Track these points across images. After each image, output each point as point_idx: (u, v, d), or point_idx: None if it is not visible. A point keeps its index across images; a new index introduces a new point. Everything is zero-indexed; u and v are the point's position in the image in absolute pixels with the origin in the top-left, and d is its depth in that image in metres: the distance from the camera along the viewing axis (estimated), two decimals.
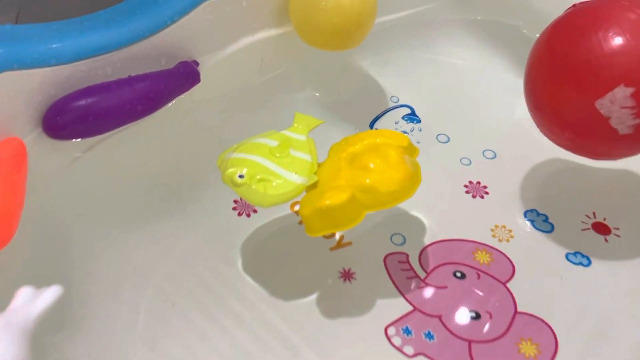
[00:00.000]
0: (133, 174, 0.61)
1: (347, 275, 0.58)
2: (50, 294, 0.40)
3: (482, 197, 0.64)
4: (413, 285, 0.57)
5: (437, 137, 0.70)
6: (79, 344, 0.51)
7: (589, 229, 0.61)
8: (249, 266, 0.58)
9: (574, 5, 0.57)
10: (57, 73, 0.54)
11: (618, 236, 0.60)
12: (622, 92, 0.50)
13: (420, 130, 0.71)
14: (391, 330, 0.54)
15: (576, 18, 0.55)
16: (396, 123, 0.72)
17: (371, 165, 0.54)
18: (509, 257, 0.59)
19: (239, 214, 0.62)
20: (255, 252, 0.59)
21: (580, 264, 0.59)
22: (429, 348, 0.53)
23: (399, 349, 0.52)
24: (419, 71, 0.78)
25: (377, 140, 0.57)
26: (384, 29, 0.76)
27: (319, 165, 0.56)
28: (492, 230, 0.61)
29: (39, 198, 0.54)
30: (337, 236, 0.60)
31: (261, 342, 0.53)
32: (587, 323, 0.54)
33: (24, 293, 0.40)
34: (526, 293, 0.56)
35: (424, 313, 0.55)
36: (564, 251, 0.59)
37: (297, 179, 0.54)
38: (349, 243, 0.60)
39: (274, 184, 0.53)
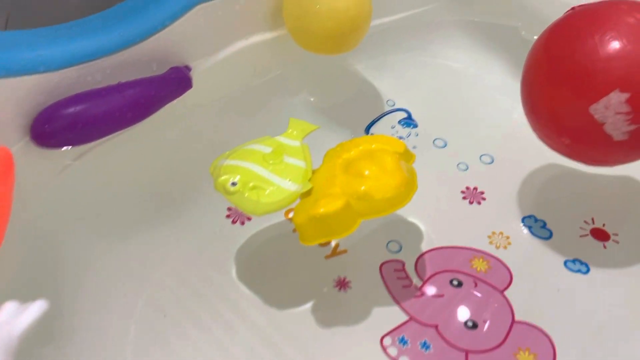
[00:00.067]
0: (124, 181, 0.60)
1: (342, 284, 0.57)
2: (36, 309, 0.39)
3: (479, 203, 0.63)
4: (409, 294, 0.56)
5: (434, 142, 0.69)
6: (69, 356, 0.50)
7: (587, 235, 0.60)
8: (243, 275, 0.57)
9: (573, 8, 0.56)
10: (46, 80, 0.53)
11: (617, 242, 0.60)
12: (617, 98, 0.49)
13: (417, 135, 0.70)
14: (387, 341, 0.53)
15: (574, 21, 0.54)
16: (392, 127, 0.71)
17: (366, 172, 0.53)
18: (507, 264, 0.58)
19: (233, 222, 0.61)
20: (249, 261, 0.58)
21: (579, 271, 0.58)
22: (425, 358, 0.52)
23: None
24: (415, 74, 0.77)
25: (373, 146, 0.56)
26: (379, 32, 0.76)
27: (313, 171, 0.55)
28: (489, 237, 0.60)
29: (28, 208, 0.53)
30: (333, 244, 0.59)
31: (254, 353, 0.52)
32: (586, 332, 0.54)
33: (8, 308, 0.40)
34: (524, 301, 0.55)
35: (420, 322, 0.54)
36: (563, 258, 0.58)
37: (290, 187, 0.53)
38: (345, 251, 0.59)
39: (267, 191, 0.52)
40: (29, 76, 0.52)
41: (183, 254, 0.58)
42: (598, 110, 0.50)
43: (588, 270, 0.58)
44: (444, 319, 0.54)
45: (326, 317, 0.55)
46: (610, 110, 0.50)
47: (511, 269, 0.58)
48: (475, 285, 0.57)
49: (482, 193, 0.64)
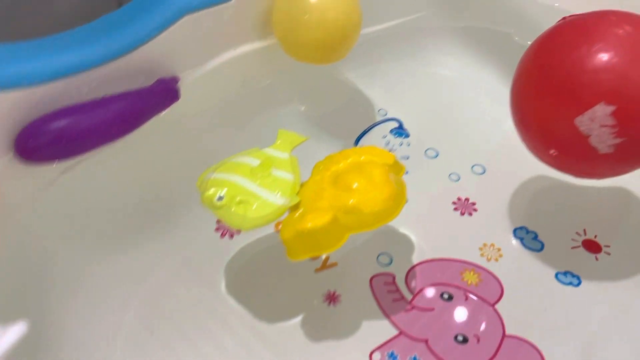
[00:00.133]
0: (111, 196, 0.59)
1: (332, 298, 0.56)
2: (13, 334, 0.38)
3: (470, 214, 0.63)
4: (399, 307, 0.56)
5: (425, 152, 0.69)
6: None
7: (579, 247, 0.60)
8: (232, 289, 0.57)
9: (564, 18, 0.56)
10: (30, 94, 0.52)
11: (609, 254, 0.59)
12: (602, 110, 0.49)
13: (409, 144, 0.70)
14: (376, 356, 0.52)
15: (563, 31, 0.54)
16: (384, 137, 0.70)
17: (355, 185, 0.52)
18: (498, 277, 0.58)
19: (222, 235, 0.60)
20: (238, 274, 0.58)
21: (570, 283, 0.57)
22: None
23: None
24: (407, 82, 0.77)
25: (362, 158, 0.56)
26: (370, 40, 0.75)
27: (301, 184, 0.55)
28: (480, 249, 0.60)
29: (13, 224, 0.53)
30: (323, 257, 0.58)
31: None
32: (576, 346, 0.53)
33: None
34: (515, 315, 0.55)
35: (410, 337, 0.54)
36: (554, 271, 0.58)
37: (278, 200, 0.52)
38: (335, 264, 0.59)
39: (254, 206, 0.51)
40: (12, 90, 0.51)
41: (171, 268, 0.58)
42: (583, 122, 0.50)
43: (579, 283, 0.57)
44: (434, 334, 0.54)
45: (316, 332, 0.54)
46: (595, 122, 0.49)
47: (502, 282, 0.57)
48: (466, 298, 0.56)
49: (474, 204, 0.64)
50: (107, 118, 0.55)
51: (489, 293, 0.56)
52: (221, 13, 0.64)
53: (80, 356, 0.51)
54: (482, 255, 0.59)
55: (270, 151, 0.57)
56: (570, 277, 0.58)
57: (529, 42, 0.58)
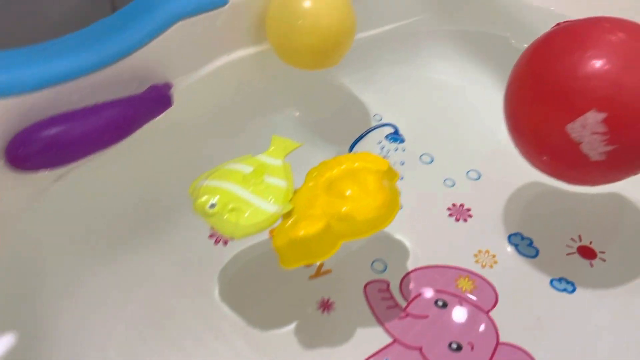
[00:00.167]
0: (104, 204, 0.59)
1: (326, 306, 0.56)
2: (3, 343, 0.38)
3: (465, 220, 0.63)
4: (393, 315, 0.55)
5: (420, 158, 0.69)
6: None
7: (574, 253, 0.59)
8: (226, 296, 0.56)
9: (558, 24, 0.56)
10: (20, 103, 0.52)
11: (604, 260, 0.59)
12: (593, 118, 0.49)
13: (404, 150, 0.69)
14: None
15: (556, 38, 0.54)
16: (379, 142, 0.70)
17: (348, 193, 0.52)
18: (492, 284, 0.57)
19: (216, 242, 0.60)
20: (232, 282, 0.58)
21: (565, 290, 0.57)
22: None
23: None
24: (402, 88, 0.77)
25: (356, 164, 0.55)
26: (365, 45, 0.75)
27: (295, 191, 0.54)
28: (475, 255, 0.60)
29: (5, 233, 0.52)
30: (317, 263, 0.58)
31: None
32: (571, 354, 0.53)
33: None
34: (509, 322, 0.54)
35: (404, 345, 0.53)
36: (549, 277, 0.58)
37: (270, 208, 0.52)
38: (329, 271, 0.58)
39: (247, 213, 0.51)
40: (2, 98, 0.51)
41: (164, 276, 0.57)
42: (575, 129, 0.49)
43: (574, 290, 0.57)
44: (428, 341, 0.53)
45: (309, 340, 0.54)
46: (586, 129, 0.49)
47: (497, 289, 0.57)
48: (461, 305, 0.56)
49: (469, 210, 0.63)
50: (99, 125, 0.54)
51: (483, 300, 0.56)
52: (214, 19, 0.63)
53: None
54: (476, 261, 0.59)
55: (263, 158, 0.56)
56: (565, 283, 0.57)
57: (526, 46, 0.57)
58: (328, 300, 0.56)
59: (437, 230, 0.62)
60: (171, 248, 0.59)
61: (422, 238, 0.61)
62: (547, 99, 0.51)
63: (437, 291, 0.57)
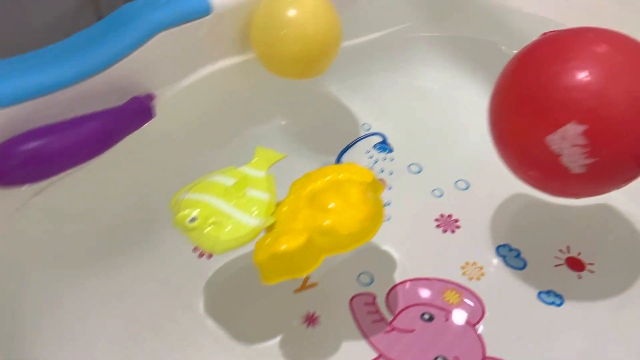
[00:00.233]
0: (85, 217, 0.58)
1: (311, 320, 0.55)
2: None
3: (453, 231, 0.62)
4: (379, 329, 0.55)
5: (409, 167, 0.68)
6: None
7: (562, 264, 0.59)
8: (210, 311, 0.56)
9: (544, 34, 0.55)
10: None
11: (592, 272, 0.58)
12: (573, 130, 0.47)
13: (392, 159, 0.69)
14: None
15: (541, 48, 0.53)
16: (367, 152, 0.69)
17: (331, 205, 0.51)
18: (479, 297, 0.56)
19: (200, 256, 0.59)
20: (215, 296, 0.57)
21: (553, 303, 0.56)
22: None
23: None
24: (391, 96, 0.76)
25: (340, 176, 0.55)
26: (353, 52, 0.74)
27: (278, 203, 0.54)
28: (462, 267, 0.59)
29: None
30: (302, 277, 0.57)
31: None
32: None
33: None
34: (495, 336, 0.54)
35: None
36: (536, 290, 0.57)
37: (252, 222, 0.51)
38: (315, 284, 0.58)
39: (228, 228, 0.50)
40: None
41: (147, 290, 0.57)
42: (555, 140, 0.48)
43: (562, 302, 0.56)
44: (414, 356, 0.53)
45: (294, 354, 0.53)
46: (566, 141, 0.48)
47: (484, 302, 0.56)
48: (447, 319, 0.55)
49: (457, 221, 0.62)
50: (79, 139, 0.53)
51: (470, 313, 0.55)
52: (198, 28, 0.62)
53: None
54: (464, 274, 0.58)
55: (246, 170, 0.55)
56: (553, 296, 0.56)
57: (515, 52, 0.56)
58: (313, 314, 0.55)
59: (424, 242, 0.61)
60: (155, 262, 0.58)
61: (409, 250, 0.60)
62: (528, 109, 0.51)
63: (424, 304, 0.56)
